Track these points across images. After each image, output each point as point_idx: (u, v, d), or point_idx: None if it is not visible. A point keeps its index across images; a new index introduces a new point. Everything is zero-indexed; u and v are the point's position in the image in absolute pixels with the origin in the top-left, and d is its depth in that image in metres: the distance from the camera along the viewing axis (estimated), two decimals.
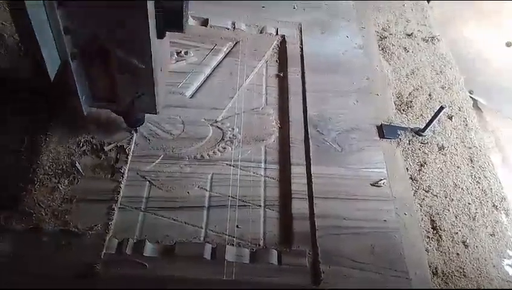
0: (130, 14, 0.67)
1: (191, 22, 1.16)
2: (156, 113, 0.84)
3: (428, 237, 0.87)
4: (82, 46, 0.72)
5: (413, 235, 0.84)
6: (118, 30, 0.69)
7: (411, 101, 1.10)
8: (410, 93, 1.13)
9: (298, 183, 0.88)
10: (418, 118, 1.07)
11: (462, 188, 0.95)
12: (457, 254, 0.85)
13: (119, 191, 0.83)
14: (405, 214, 0.87)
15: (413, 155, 0.98)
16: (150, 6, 0.67)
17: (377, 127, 1.00)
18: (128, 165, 0.87)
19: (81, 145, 0.86)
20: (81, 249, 0.74)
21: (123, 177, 0.84)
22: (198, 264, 0.75)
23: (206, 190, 0.86)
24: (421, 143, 1.00)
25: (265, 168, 0.91)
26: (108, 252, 0.74)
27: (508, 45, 1.62)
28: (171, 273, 0.73)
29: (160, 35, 0.74)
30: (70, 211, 0.78)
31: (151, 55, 0.72)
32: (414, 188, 0.93)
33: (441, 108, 0.94)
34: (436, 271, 0.82)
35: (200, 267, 0.75)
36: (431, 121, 0.97)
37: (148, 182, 0.86)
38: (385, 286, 0.75)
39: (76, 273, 0.71)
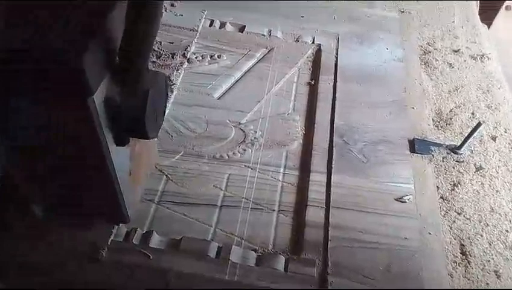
0: (74, 120, 0.55)
1: (229, 28, 1.18)
2: (126, 223, 0.77)
3: (455, 261, 0.79)
4: (25, 157, 0.62)
5: (437, 257, 0.77)
6: (64, 140, 0.58)
7: (451, 119, 1.03)
8: (451, 110, 1.06)
9: (316, 191, 0.84)
10: (456, 136, 0.99)
11: (499, 214, 0.87)
12: (487, 283, 0.77)
13: None
14: (429, 233, 0.80)
15: (446, 173, 0.91)
16: (100, 110, 0.54)
17: (409, 141, 0.94)
18: None
19: None
20: (92, 233, 0.75)
21: None
22: (202, 261, 0.73)
23: (221, 189, 0.85)
24: (457, 162, 0.92)
25: (284, 173, 0.89)
26: (115, 239, 0.75)
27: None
28: (173, 266, 0.72)
29: (121, 142, 0.62)
30: None
31: (109, 166, 0.61)
32: (445, 208, 0.86)
33: (479, 124, 0.87)
34: None
35: (203, 264, 0.73)
36: (467, 137, 0.90)
37: (165, 176, 0.86)
38: None
39: (82, 255, 0.72)
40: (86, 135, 0.56)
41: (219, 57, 1.09)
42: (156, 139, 0.83)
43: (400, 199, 0.83)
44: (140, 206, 0.81)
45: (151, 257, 0.73)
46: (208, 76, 1.05)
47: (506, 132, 1.03)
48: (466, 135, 0.98)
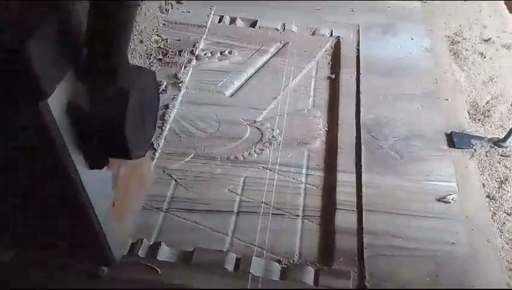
0: (29, 132, 0.40)
1: (239, 23, 1.10)
2: (111, 265, 0.62)
3: (510, 269, 0.68)
4: None
5: (491, 265, 0.66)
6: (21, 160, 0.44)
7: (489, 111, 0.93)
8: (487, 102, 0.95)
9: (345, 192, 0.74)
10: (497, 128, 0.89)
11: None
12: None
13: None
14: (480, 238, 0.69)
15: (491, 169, 0.80)
16: (60, 119, 0.40)
17: (446, 135, 0.84)
18: (154, 161, 0.79)
19: None
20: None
21: None
22: (218, 275, 0.63)
23: (237, 194, 0.75)
24: (502, 156, 0.82)
25: (307, 175, 0.79)
26: None
27: None
28: (185, 282, 0.62)
29: (97, 163, 0.48)
30: None
31: (81, 195, 0.46)
32: (492, 209, 0.75)
33: None
34: None
35: (219, 278, 0.63)
36: None
37: (174, 181, 0.77)
38: None
39: (80, 271, 0.63)
40: (45, 152, 0.41)
41: (230, 53, 1.00)
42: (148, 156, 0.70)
43: (442, 199, 0.73)
44: (145, 216, 0.71)
45: (160, 272, 0.63)
46: (218, 73, 0.96)
47: None
48: (508, 127, 0.88)
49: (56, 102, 0.39)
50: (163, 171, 0.78)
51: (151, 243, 0.67)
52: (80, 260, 0.61)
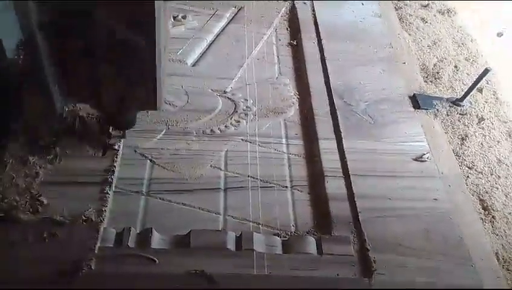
0: None
1: None
2: (155, 109, 0.66)
3: (481, 218, 0.74)
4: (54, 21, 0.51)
5: (469, 216, 0.72)
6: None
7: (438, 72, 0.99)
8: (435, 65, 1.01)
9: (329, 160, 0.74)
10: (448, 89, 0.95)
11: (506, 165, 0.83)
12: None
13: (114, 172, 0.66)
14: (457, 192, 0.74)
15: (453, 127, 0.86)
16: None
17: (410, 97, 0.87)
18: (123, 141, 0.70)
19: (64, 116, 0.69)
20: (69, 243, 0.57)
21: (117, 155, 0.68)
22: (221, 257, 0.59)
23: (221, 169, 0.71)
24: (460, 114, 0.88)
25: (287, 144, 0.77)
26: (104, 246, 0.58)
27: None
28: (187, 269, 0.57)
29: None
30: (52, 196, 0.61)
31: (155, 28, 0.51)
32: (457, 164, 0.81)
33: (486, 71, 0.83)
34: (498, 257, 0.69)
35: (223, 260, 0.59)
36: (472, 86, 0.85)
37: (149, 161, 0.70)
38: (449, 276, 0.62)
39: (62, 272, 0.54)
40: None
41: (184, 17, 0.92)
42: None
43: (419, 159, 0.76)
44: (124, 202, 0.64)
45: (157, 261, 0.57)
46: (174, 40, 0.88)
47: (488, 83, 1.01)
48: (457, 88, 0.95)
49: None
50: (135, 151, 0.70)
51: (139, 232, 0.61)
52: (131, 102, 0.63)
